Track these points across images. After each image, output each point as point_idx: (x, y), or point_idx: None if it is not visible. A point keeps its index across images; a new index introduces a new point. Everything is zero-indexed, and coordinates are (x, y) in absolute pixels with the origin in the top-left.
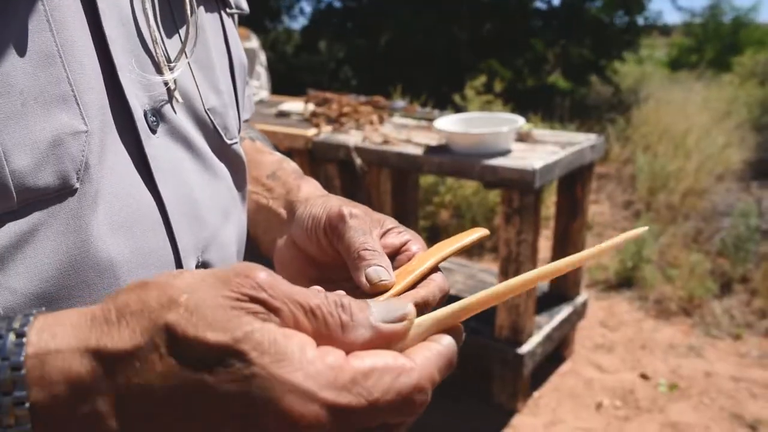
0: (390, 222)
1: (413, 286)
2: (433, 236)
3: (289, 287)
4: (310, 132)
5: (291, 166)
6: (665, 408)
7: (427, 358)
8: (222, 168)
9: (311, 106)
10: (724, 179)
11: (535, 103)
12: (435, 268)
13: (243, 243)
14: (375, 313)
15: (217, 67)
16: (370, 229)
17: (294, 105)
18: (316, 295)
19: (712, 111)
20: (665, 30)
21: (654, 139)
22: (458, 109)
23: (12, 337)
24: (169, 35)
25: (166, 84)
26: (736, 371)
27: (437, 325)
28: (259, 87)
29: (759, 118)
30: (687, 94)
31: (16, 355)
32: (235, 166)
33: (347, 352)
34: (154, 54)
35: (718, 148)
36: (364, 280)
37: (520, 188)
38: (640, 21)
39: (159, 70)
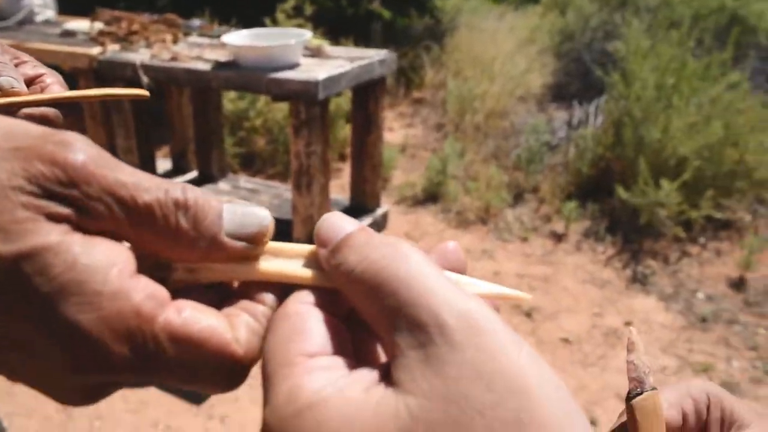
0: (28, 57)
1: (54, 105)
2: (247, 163)
3: (113, 175)
4: (95, 50)
5: None
6: None
7: (253, 333)
8: None
9: (98, 25)
10: (525, 101)
11: (350, 28)
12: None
13: None
14: (226, 221)
15: None
16: (1, 53)
17: (80, 24)
18: (149, 189)
19: (518, 39)
20: None
21: (465, 65)
22: None
23: None
24: None
25: None
26: (520, 269)
27: (282, 275)
28: (42, 5)
29: (559, 46)
30: (498, 23)
31: None
32: None
33: (175, 259)
34: None
35: (521, 73)
36: None
37: (305, 100)
38: None
39: None
